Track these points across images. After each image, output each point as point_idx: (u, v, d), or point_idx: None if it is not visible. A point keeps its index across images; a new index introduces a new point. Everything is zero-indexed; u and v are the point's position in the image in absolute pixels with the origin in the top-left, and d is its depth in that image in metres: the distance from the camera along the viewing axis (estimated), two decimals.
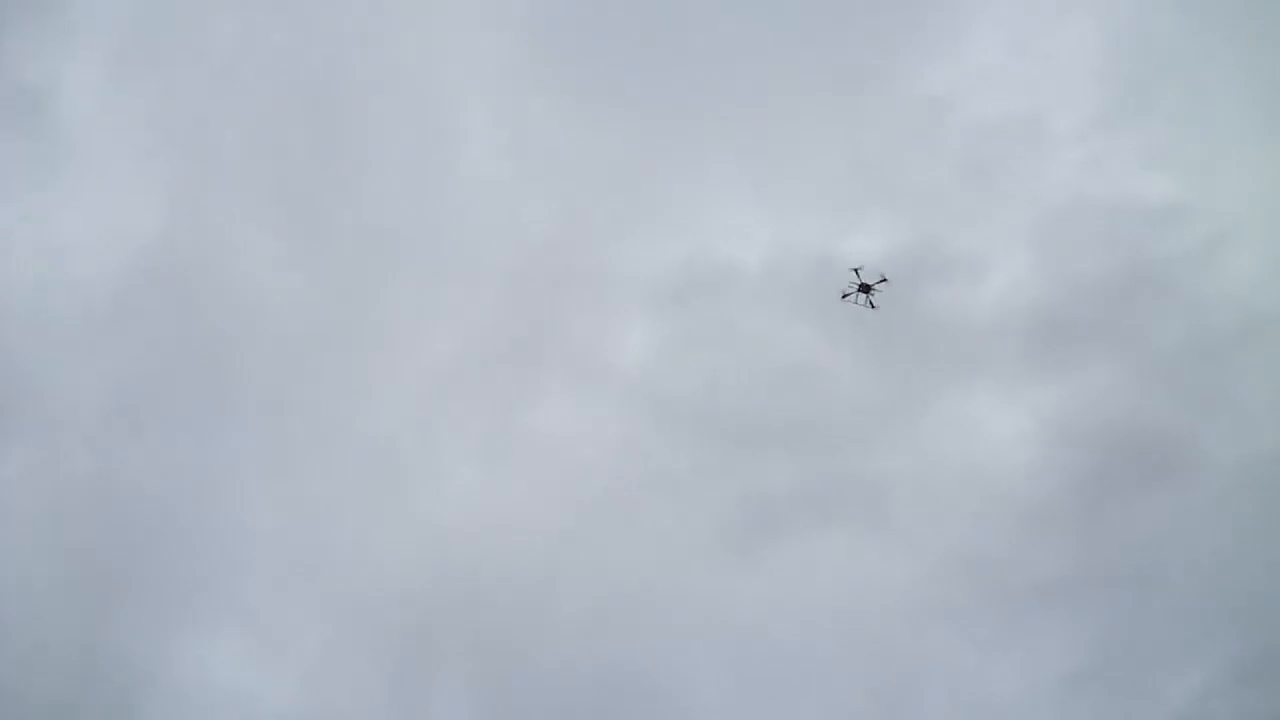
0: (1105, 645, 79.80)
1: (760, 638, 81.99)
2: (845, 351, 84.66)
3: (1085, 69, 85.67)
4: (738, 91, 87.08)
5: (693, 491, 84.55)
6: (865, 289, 79.25)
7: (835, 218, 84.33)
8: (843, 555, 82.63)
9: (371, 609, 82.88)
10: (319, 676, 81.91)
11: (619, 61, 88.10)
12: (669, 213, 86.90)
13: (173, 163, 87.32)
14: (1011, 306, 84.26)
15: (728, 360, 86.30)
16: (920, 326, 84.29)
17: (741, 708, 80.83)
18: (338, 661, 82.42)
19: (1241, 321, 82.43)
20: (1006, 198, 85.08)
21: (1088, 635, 79.89)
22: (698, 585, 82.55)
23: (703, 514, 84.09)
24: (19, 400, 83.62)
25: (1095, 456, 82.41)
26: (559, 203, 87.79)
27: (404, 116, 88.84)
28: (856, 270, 78.89)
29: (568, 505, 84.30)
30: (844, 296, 79.48)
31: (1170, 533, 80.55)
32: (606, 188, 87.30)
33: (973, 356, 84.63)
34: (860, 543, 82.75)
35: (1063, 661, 79.64)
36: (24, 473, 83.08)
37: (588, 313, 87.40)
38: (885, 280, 78.68)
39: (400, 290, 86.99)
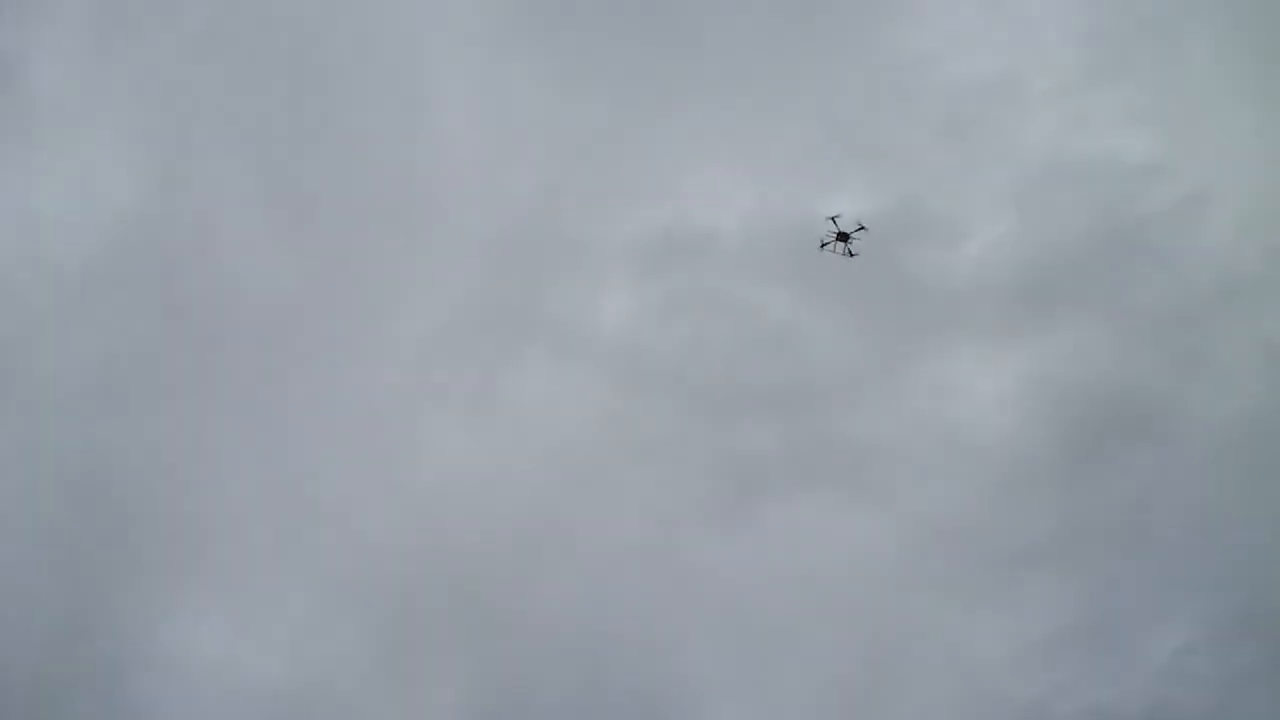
0: (1088, 605, 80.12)
1: (745, 602, 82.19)
2: (826, 315, 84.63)
3: (1063, 28, 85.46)
4: (715, 56, 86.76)
5: (675, 457, 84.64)
6: (843, 237, 78.59)
7: (815, 181, 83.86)
8: (826, 519, 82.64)
9: (358, 579, 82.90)
10: (306, 647, 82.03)
11: (597, 29, 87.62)
12: (649, 179, 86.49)
13: (150, 132, 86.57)
14: (992, 268, 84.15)
15: (709, 326, 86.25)
16: (901, 289, 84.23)
17: (727, 671, 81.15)
18: (325, 632, 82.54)
19: (1221, 280, 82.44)
20: (986, 159, 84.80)
21: (1071, 595, 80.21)
22: (681, 549, 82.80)
23: (685, 479, 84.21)
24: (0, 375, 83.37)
25: (1076, 417, 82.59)
26: (539, 170, 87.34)
27: (383, 84, 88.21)
28: (834, 219, 78.24)
29: (551, 473, 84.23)
30: (822, 246, 78.76)
31: (1151, 492, 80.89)
32: (586, 155, 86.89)
33: (954, 318, 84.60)
34: (843, 506, 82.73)
35: (1046, 621, 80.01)
36: (6, 447, 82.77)
37: (569, 280, 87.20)
38: (863, 228, 78.02)
39: (381, 259, 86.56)
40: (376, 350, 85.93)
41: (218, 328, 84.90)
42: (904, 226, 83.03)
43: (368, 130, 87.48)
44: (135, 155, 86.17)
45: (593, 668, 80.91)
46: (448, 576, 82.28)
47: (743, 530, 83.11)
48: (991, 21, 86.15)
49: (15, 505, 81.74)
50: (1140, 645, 78.83)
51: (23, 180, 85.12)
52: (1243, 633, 77.13)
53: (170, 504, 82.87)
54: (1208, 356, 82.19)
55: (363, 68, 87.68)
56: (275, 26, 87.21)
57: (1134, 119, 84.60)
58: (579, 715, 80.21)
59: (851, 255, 78.48)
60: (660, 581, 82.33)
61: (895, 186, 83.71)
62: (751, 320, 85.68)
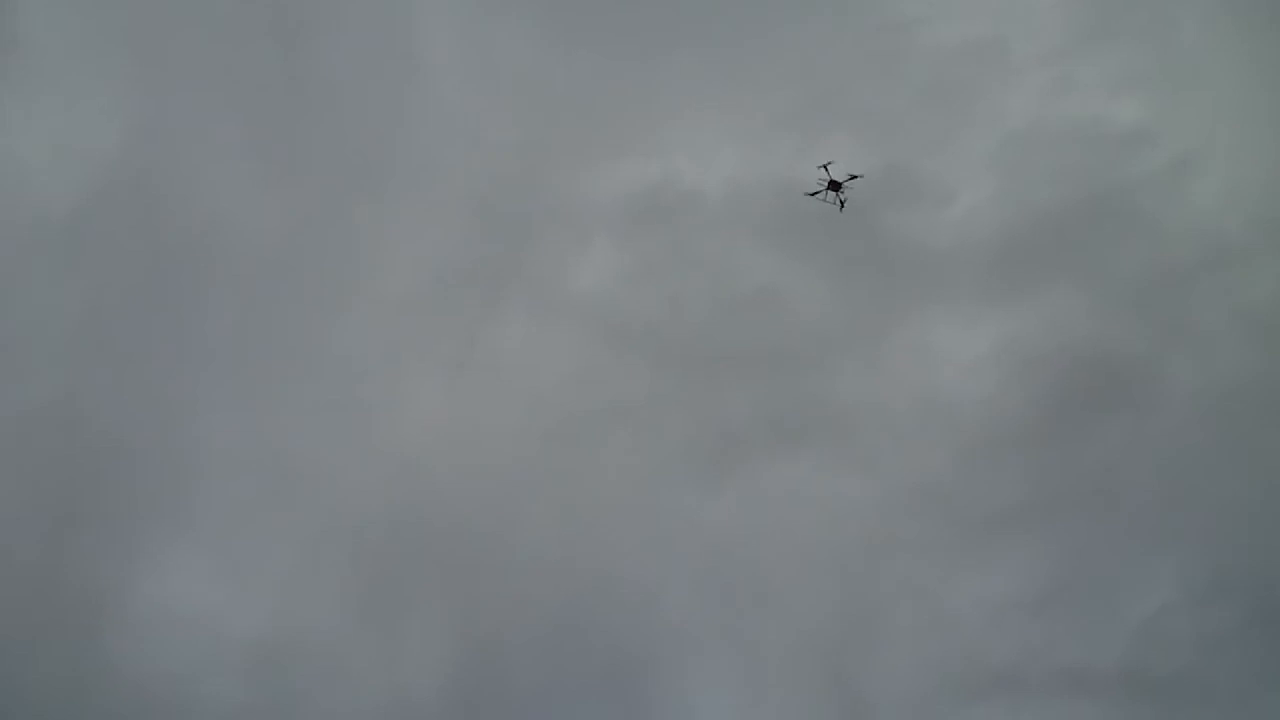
0: (1065, 567, 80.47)
1: (724, 559, 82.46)
2: (807, 277, 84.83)
3: None
4: (701, 16, 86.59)
5: (656, 415, 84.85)
6: (834, 186, 76.84)
7: (799, 143, 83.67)
8: (805, 479, 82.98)
9: (338, 533, 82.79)
10: (286, 601, 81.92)
11: None
12: (632, 138, 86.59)
13: (134, 80, 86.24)
14: (974, 232, 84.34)
15: (690, 286, 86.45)
16: (883, 252, 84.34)
17: (706, 627, 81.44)
18: (306, 584, 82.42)
19: (1204, 248, 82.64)
20: (971, 123, 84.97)
21: (1047, 557, 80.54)
22: (661, 507, 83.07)
23: (666, 437, 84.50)
24: None
25: (1056, 382, 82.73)
26: (523, 127, 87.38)
27: (369, 37, 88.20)
28: (825, 166, 76.60)
29: (532, 429, 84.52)
30: (812, 194, 77.45)
31: (1129, 457, 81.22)
32: (570, 113, 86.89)
33: (936, 282, 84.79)
34: (822, 467, 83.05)
35: (1023, 583, 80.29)
36: None
37: (552, 237, 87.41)
38: (856, 177, 76.30)
39: (364, 214, 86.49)
40: (359, 304, 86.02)
41: (200, 279, 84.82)
42: (887, 189, 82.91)
43: (353, 84, 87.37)
44: (121, 104, 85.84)
45: (573, 622, 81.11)
46: (428, 531, 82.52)
47: (722, 488, 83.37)
48: None
49: None
50: (1116, 607, 79.24)
51: (7, 127, 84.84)
52: (1217, 595, 77.59)
53: (151, 456, 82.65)
54: (1188, 324, 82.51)
55: (348, 21, 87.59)
56: None
57: (1119, 85, 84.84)
58: (559, 669, 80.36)
59: (842, 207, 76.60)
60: (640, 539, 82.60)
61: (879, 149, 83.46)
62: (733, 281, 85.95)
